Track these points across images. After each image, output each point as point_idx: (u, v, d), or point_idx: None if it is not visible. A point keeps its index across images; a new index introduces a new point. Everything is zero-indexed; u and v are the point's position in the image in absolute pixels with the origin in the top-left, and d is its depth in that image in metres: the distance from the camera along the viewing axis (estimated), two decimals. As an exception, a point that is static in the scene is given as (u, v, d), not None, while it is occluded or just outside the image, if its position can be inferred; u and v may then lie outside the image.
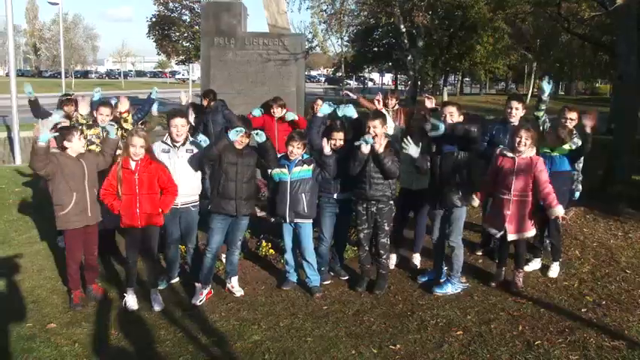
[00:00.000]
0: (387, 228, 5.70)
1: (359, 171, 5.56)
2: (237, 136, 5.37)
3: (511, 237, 5.72)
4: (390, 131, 6.14)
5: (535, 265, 6.43)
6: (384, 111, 6.55)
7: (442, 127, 5.33)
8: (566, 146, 6.03)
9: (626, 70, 10.30)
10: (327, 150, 5.62)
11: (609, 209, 8.75)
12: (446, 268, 5.91)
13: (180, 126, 5.56)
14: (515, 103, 6.32)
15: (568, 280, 6.10)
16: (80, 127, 6.13)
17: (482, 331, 4.91)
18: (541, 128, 6.43)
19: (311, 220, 5.81)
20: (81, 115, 6.87)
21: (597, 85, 57.97)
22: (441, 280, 5.87)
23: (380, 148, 5.39)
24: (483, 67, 35.76)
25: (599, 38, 21.64)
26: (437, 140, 5.61)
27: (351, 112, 5.79)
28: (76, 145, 5.31)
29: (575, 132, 6.21)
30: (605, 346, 4.63)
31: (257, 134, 5.49)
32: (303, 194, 5.67)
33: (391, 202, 5.70)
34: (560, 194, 5.96)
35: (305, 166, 5.69)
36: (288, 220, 5.77)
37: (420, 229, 6.54)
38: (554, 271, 6.24)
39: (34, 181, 10.86)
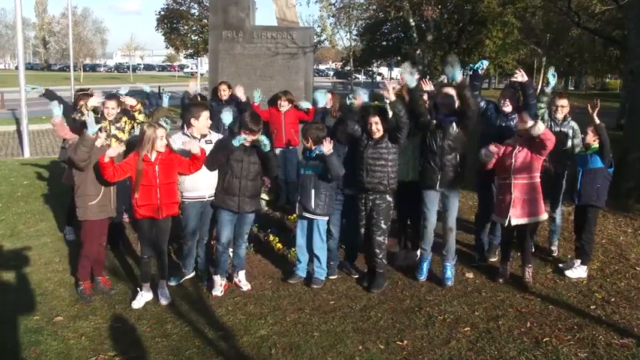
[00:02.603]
0: (383, 226, 5.61)
1: (357, 158, 5.54)
2: (238, 143, 5.33)
3: (515, 222, 5.67)
4: None
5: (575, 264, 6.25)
6: None
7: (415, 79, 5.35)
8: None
9: (637, 65, 10.17)
10: (325, 149, 5.34)
11: (619, 206, 8.68)
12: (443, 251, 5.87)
13: (206, 119, 5.57)
14: None
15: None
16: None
17: (489, 328, 4.88)
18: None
19: (322, 217, 5.73)
20: (85, 106, 6.57)
21: (607, 80, 57.48)
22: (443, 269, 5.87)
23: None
24: (493, 61, 35.49)
25: (609, 33, 21.43)
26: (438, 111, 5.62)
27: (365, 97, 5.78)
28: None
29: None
30: (614, 344, 4.60)
31: (264, 145, 5.36)
32: (312, 190, 5.60)
33: (389, 198, 5.62)
34: (596, 191, 5.93)
35: (317, 161, 5.58)
36: (297, 212, 5.77)
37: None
38: (577, 273, 6.01)
39: (42, 174, 10.93)
